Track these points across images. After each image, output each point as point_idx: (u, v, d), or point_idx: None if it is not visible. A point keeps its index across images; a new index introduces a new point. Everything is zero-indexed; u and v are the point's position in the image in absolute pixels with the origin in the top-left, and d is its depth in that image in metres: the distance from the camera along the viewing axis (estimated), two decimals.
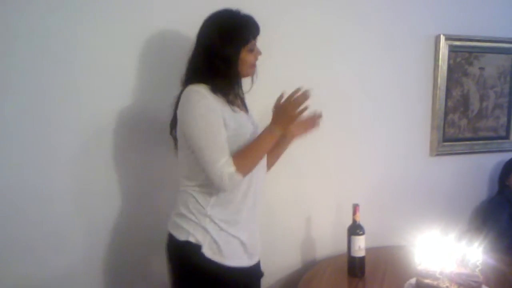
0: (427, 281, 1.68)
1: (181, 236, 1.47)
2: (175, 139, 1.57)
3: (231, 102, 1.50)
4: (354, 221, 1.89)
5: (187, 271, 1.48)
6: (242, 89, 1.64)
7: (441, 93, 2.35)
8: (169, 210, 1.59)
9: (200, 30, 1.53)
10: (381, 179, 2.32)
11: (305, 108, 1.43)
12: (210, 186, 1.45)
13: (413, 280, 1.77)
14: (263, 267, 1.70)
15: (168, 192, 1.72)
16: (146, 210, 1.90)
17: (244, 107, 1.64)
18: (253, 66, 1.56)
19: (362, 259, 1.90)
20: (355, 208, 1.88)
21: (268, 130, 1.46)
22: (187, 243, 1.45)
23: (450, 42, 2.31)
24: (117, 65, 1.79)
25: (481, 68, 2.43)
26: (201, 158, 1.41)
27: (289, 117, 1.45)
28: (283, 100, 1.46)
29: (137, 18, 1.79)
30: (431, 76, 2.35)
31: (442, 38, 2.29)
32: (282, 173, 2.06)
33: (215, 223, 1.46)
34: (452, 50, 2.33)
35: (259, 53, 1.56)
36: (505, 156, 2.54)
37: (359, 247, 1.88)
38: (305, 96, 1.41)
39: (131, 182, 1.87)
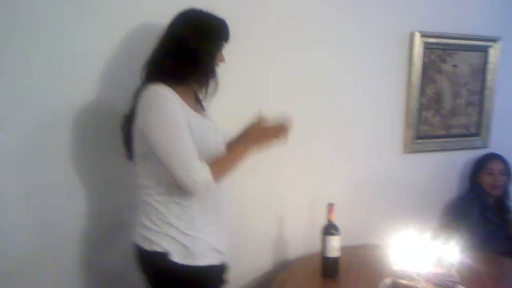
0: (403, 281, 1.64)
1: (148, 247, 1.43)
2: (126, 144, 1.51)
3: (194, 106, 1.47)
4: (329, 221, 1.84)
5: (161, 280, 1.46)
6: (205, 92, 1.59)
7: (415, 90, 2.32)
8: (129, 212, 1.52)
9: (174, 25, 1.45)
10: (355, 177, 2.29)
11: (287, 137, 1.55)
12: (170, 194, 1.42)
13: (388, 280, 1.73)
14: (231, 266, 1.67)
15: (129, 193, 1.63)
16: (105, 211, 1.78)
17: (203, 110, 1.60)
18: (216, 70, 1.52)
19: (336, 259, 1.86)
20: (330, 207, 1.83)
21: (244, 147, 1.50)
22: (155, 253, 1.42)
23: (425, 39, 2.28)
24: (71, 55, 1.65)
25: (455, 66, 2.42)
26: (171, 163, 1.35)
27: (269, 141, 1.54)
28: (266, 123, 1.54)
29: (90, 7, 1.66)
30: (406, 73, 2.32)
31: (417, 35, 2.26)
32: (254, 172, 2.00)
33: (179, 229, 1.43)
34: (427, 47, 2.30)
35: (224, 59, 1.52)
36: (476, 153, 2.55)
37: (334, 247, 1.83)
38: (290, 125, 1.53)
39: (87, 182, 1.75)
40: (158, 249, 1.41)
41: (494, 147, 2.57)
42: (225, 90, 1.62)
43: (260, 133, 1.54)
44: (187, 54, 1.40)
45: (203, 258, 1.45)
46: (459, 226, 2.34)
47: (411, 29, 2.27)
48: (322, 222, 1.87)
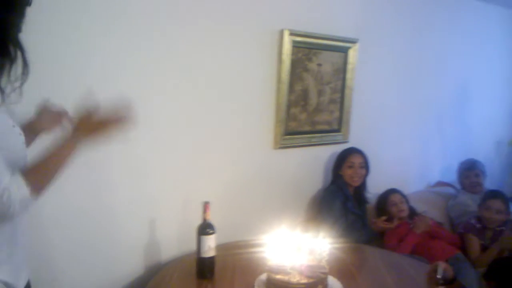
0: (278, 276, 1.66)
1: None
2: None
3: None
4: (204, 219, 1.78)
5: None
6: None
7: (285, 87, 2.38)
8: None
9: None
10: (229, 175, 2.27)
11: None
12: None
13: (263, 276, 1.74)
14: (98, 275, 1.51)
15: None
16: None
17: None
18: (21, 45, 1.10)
19: (211, 259, 1.81)
20: (205, 206, 1.78)
21: (72, 141, 1.20)
22: None
23: (293, 38, 2.34)
24: None
25: (319, 65, 2.53)
26: None
27: (99, 130, 1.23)
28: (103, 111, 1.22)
29: None
30: (276, 71, 2.36)
31: (286, 33, 2.31)
32: (122, 173, 1.90)
33: None
34: (295, 45, 2.37)
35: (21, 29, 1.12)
36: (338, 148, 2.70)
37: (209, 247, 1.78)
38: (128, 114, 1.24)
39: None
40: None
41: (353, 142, 2.75)
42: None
43: (90, 127, 1.21)
44: None
45: None
46: (324, 217, 2.47)
47: (281, 27, 2.31)
48: (196, 221, 1.80)
